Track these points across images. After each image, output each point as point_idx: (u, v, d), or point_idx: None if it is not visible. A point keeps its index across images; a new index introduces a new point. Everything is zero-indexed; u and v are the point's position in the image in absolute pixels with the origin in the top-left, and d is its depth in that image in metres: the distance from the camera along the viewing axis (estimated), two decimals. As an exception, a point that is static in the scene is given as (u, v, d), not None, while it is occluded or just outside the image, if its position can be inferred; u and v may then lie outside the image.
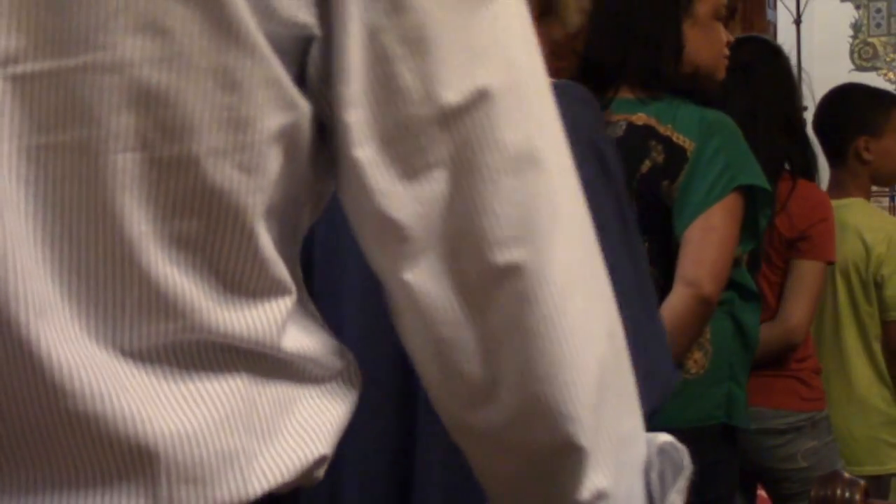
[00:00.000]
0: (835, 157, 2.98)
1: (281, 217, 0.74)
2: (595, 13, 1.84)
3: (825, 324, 2.85)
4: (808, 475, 2.38)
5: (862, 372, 2.82)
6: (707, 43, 2.19)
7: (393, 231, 0.72)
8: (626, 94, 2.03)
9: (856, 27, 11.12)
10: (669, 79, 2.07)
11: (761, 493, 2.73)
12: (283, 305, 0.74)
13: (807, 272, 2.57)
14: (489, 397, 0.76)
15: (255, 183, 0.70)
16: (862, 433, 2.79)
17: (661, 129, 2.02)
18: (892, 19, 10.95)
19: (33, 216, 0.67)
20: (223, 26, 0.67)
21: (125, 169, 0.68)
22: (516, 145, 0.72)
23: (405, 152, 0.71)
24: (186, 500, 0.70)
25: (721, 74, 2.22)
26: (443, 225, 0.72)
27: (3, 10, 0.66)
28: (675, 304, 1.91)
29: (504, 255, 0.72)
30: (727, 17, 2.39)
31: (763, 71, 2.59)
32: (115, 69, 0.66)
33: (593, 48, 1.90)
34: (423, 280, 0.73)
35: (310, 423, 0.76)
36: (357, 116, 0.71)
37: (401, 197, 0.72)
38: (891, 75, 10.89)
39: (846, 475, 1.38)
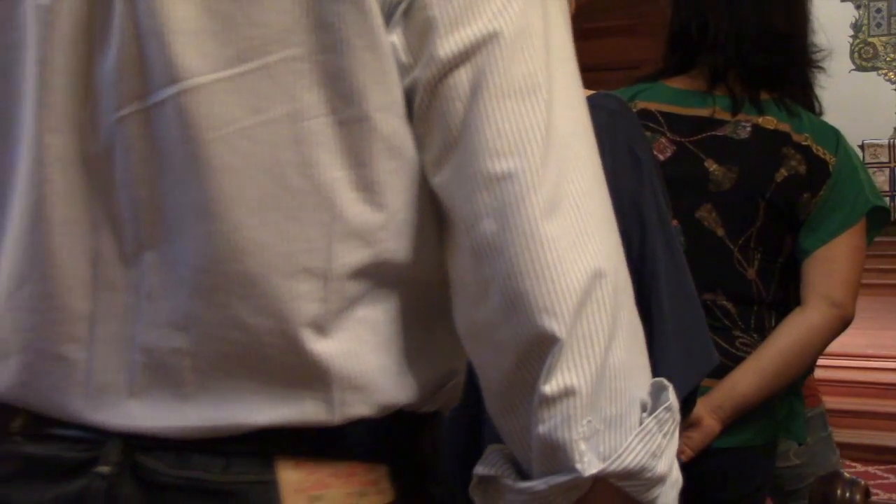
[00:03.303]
0: None
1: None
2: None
3: None
4: (802, 472, 2.36)
5: None
6: None
7: (426, 137, 0.88)
8: (751, 94, 2.00)
9: (856, 27, 11.11)
10: (805, 86, 2.06)
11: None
12: (434, 237, 0.91)
13: None
14: (485, 296, 0.86)
15: (408, 129, 0.89)
16: None
17: (798, 138, 1.98)
18: (893, 19, 10.94)
19: (249, 179, 0.87)
20: (364, 11, 0.86)
21: (319, 130, 0.87)
22: (521, 76, 0.86)
23: (435, 76, 0.87)
24: (352, 403, 0.89)
25: None
26: (457, 136, 0.86)
27: (216, 28, 0.87)
28: (819, 322, 1.91)
29: (500, 164, 0.85)
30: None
31: None
32: (304, 59, 0.87)
33: (731, 29, 1.95)
34: (444, 184, 0.88)
35: (444, 343, 0.93)
36: (407, 57, 0.88)
37: (429, 112, 0.88)
38: (891, 75, 10.89)
39: (846, 475, 1.39)
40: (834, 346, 2.95)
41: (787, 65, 2.04)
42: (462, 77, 0.86)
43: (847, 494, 1.34)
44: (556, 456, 0.84)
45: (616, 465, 0.85)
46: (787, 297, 2.00)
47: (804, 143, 1.98)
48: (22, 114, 0.92)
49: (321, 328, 0.88)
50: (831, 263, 1.92)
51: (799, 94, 2.05)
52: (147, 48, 0.88)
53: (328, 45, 0.87)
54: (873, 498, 1.41)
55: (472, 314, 0.87)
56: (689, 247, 1.88)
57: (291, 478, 0.89)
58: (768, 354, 1.91)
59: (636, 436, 0.87)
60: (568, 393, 0.83)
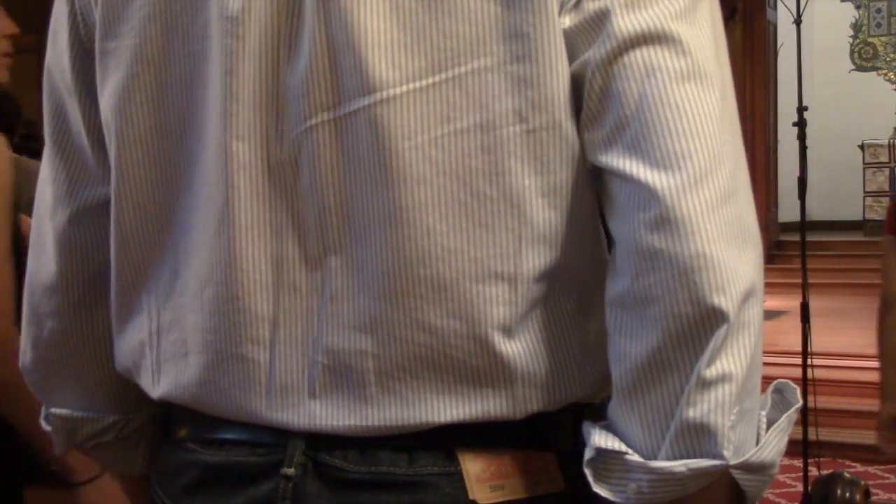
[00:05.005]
0: None
1: None
2: None
3: None
4: None
5: None
6: None
7: (596, 116, 0.89)
8: None
9: (856, 27, 11.11)
10: None
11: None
12: (598, 230, 0.94)
13: None
14: (652, 268, 0.85)
15: (580, 134, 0.90)
16: None
17: None
18: (893, 19, 10.94)
19: (439, 187, 0.89)
20: (551, 17, 0.87)
21: (510, 139, 0.89)
22: (696, 61, 0.87)
23: (609, 55, 0.87)
24: (532, 400, 0.91)
25: None
26: (630, 115, 0.86)
27: (408, 40, 0.88)
28: None
29: (680, 143, 0.85)
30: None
31: None
32: (494, 69, 0.88)
33: None
34: (614, 162, 0.87)
35: (605, 345, 0.92)
36: (576, 43, 0.89)
37: (602, 92, 0.88)
38: (891, 75, 10.89)
39: (846, 475, 1.39)
40: (834, 346, 2.95)
41: None
42: (638, 58, 0.86)
43: (847, 494, 1.35)
44: (703, 440, 0.84)
45: (756, 457, 0.85)
46: None
47: None
48: (205, 122, 0.94)
49: (509, 330, 0.90)
50: None
51: None
52: (340, 60, 0.90)
53: (520, 55, 0.88)
54: (873, 498, 1.41)
55: (633, 285, 0.86)
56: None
57: (473, 468, 0.91)
58: None
59: (773, 431, 0.88)
60: (725, 379, 0.83)
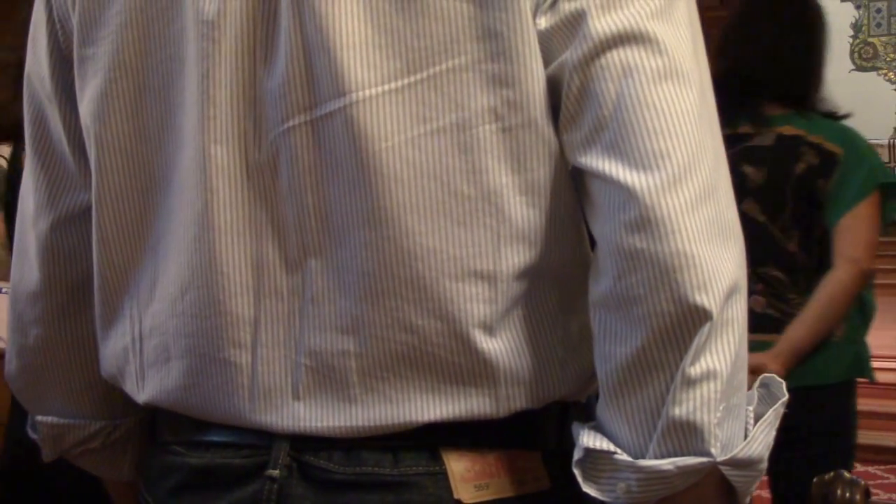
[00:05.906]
0: None
1: None
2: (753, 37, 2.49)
3: None
4: None
5: None
6: None
7: (575, 117, 0.89)
8: (772, 111, 2.53)
9: (856, 27, 11.12)
10: (813, 100, 2.59)
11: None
12: (580, 229, 0.95)
13: None
14: (634, 268, 0.85)
15: (556, 131, 0.91)
16: None
17: (811, 138, 2.50)
18: (893, 19, 10.95)
19: (417, 187, 0.89)
20: (525, 16, 0.88)
21: (486, 137, 0.89)
22: (674, 60, 0.87)
23: (587, 56, 0.87)
24: (516, 398, 0.92)
25: None
26: (609, 115, 0.86)
27: (382, 41, 0.89)
28: (843, 277, 2.40)
29: (659, 142, 0.85)
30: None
31: None
32: (469, 68, 0.89)
33: (747, 67, 2.51)
34: (593, 162, 0.87)
35: (591, 343, 0.92)
36: (552, 44, 0.89)
37: (580, 93, 0.88)
38: (891, 75, 10.89)
39: (846, 475, 1.38)
40: (834, 346, 2.95)
41: (798, 92, 2.59)
42: (615, 58, 0.87)
43: (847, 494, 1.34)
44: (689, 438, 0.84)
45: (744, 453, 0.86)
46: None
47: (815, 142, 2.49)
48: (183, 125, 0.95)
49: (490, 328, 0.91)
50: (848, 230, 2.41)
51: (810, 106, 2.58)
52: (315, 62, 0.90)
53: (495, 54, 0.88)
54: (873, 498, 1.41)
55: (616, 285, 0.86)
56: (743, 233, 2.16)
57: (458, 468, 0.92)
58: (809, 308, 2.42)
59: (760, 426, 0.88)
60: (710, 376, 0.84)
